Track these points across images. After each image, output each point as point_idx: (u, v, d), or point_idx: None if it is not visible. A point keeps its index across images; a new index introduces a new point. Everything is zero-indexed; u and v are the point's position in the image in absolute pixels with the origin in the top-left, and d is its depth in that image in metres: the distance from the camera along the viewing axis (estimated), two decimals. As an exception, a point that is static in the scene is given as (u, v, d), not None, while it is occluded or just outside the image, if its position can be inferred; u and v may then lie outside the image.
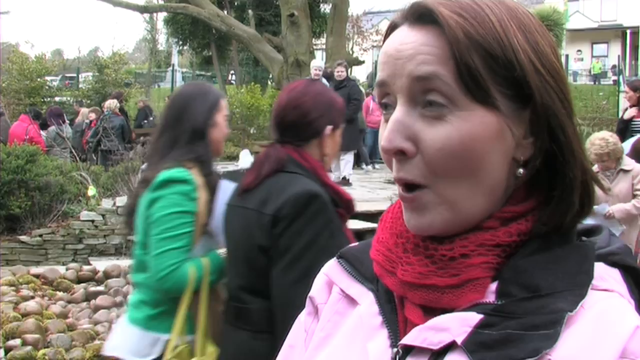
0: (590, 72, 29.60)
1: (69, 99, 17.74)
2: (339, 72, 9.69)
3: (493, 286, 0.67)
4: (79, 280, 6.30)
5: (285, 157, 1.87)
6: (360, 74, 23.71)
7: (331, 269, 0.85)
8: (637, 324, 0.62)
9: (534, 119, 0.69)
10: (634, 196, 4.78)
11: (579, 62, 30.47)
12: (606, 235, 0.73)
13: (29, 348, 4.31)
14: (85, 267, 6.70)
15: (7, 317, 4.82)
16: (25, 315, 4.94)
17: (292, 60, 13.33)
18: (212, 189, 2.22)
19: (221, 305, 2.11)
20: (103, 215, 8.00)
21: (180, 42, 27.88)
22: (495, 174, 0.69)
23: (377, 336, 0.73)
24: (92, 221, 7.94)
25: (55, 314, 5.11)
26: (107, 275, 6.28)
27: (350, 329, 0.78)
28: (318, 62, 10.41)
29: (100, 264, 6.79)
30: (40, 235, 7.74)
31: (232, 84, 26.26)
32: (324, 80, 9.89)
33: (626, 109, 7.41)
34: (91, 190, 8.50)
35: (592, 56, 33.73)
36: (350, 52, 19.86)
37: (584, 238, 0.74)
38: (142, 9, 19.46)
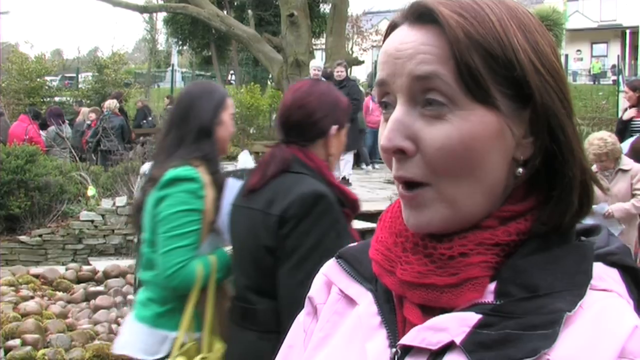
0: (589, 72, 29.60)
1: (68, 99, 17.74)
2: (339, 72, 9.69)
3: (492, 286, 0.67)
4: (79, 280, 6.30)
5: (291, 157, 1.87)
6: (359, 74, 23.71)
7: (330, 269, 0.85)
8: (636, 323, 0.62)
9: (534, 118, 0.69)
10: (633, 195, 4.78)
11: (578, 62, 30.46)
12: (605, 235, 0.73)
13: (28, 348, 4.31)
14: (85, 267, 6.70)
15: (7, 317, 4.82)
16: (25, 315, 4.94)
17: (291, 60, 13.33)
18: (219, 186, 2.24)
19: (228, 302, 2.12)
20: (103, 216, 8.01)
21: (180, 42, 27.90)
22: (495, 174, 0.69)
23: (375, 336, 0.73)
24: (92, 221, 7.95)
25: (55, 314, 5.11)
26: (107, 275, 6.28)
27: (349, 329, 0.78)
28: (317, 62, 10.41)
29: (100, 264, 6.79)
30: (40, 236, 7.74)
31: (231, 84, 26.24)
32: (325, 81, 9.88)
33: (626, 109, 7.41)
34: (91, 191, 8.50)
35: (592, 56, 33.74)
36: (350, 52, 19.86)
37: (582, 238, 0.74)
38: (142, 9, 19.45)
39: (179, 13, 19.25)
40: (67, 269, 6.51)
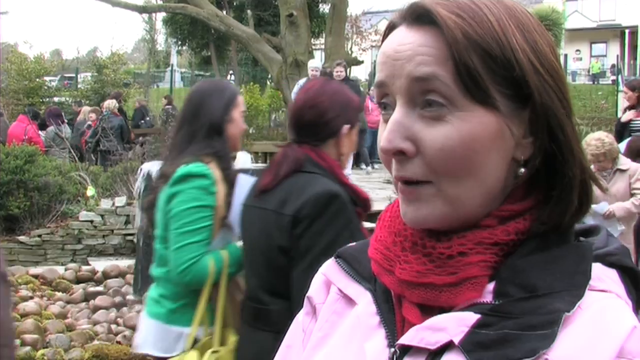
0: (589, 71, 29.61)
1: (67, 99, 17.74)
2: (338, 72, 9.69)
3: (490, 286, 0.67)
4: (78, 280, 6.30)
5: (303, 157, 1.86)
6: (359, 74, 23.70)
7: (329, 269, 0.85)
8: (634, 324, 0.62)
9: (534, 118, 0.69)
10: (632, 195, 4.78)
11: (577, 62, 30.48)
12: (604, 236, 0.73)
13: (27, 348, 4.30)
14: (84, 268, 6.70)
15: (6, 317, 4.81)
16: (24, 315, 4.93)
17: (291, 60, 13.32)
18: (230, 183, 2.25)
19: (242, 295, 2.13)
20: (102, 216, 8.01)
21: (179, 42, 27.89)
22: (495, 173, 0.69)
23: (374, 336, 0.73)
24: (91, 221, 7.95)
25: (54, 315, 5.11)
26: (106, 275, 6.28)
27: (347, 328, 0.78)
28: (315, 63, 10.40)
29: (99, 264, 6.79)
30: (39, 236, 7.74)
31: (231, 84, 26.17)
32: (322, 81, 9.88)
33: (625, 109, 7.40)
34: (90, 191, 8.50)
35: (591, 56, 33.76)
36: (349, 52, 19.84)
37: (581, 238, 0.74)
38: (141, 9, 19.44)
39: (178, 13, 19.24)
40: (66, 269, 6.51)
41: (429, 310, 0.70)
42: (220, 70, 26.48)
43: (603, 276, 0.67)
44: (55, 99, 17.59)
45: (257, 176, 2.05)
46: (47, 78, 18.72)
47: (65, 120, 12.96)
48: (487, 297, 0.67)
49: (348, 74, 11.11)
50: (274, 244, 1.80)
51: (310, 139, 1.90)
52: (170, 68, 28.28)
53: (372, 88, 12.89)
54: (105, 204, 8.14)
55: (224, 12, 20.39)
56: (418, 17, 0.69)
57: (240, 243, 2.19)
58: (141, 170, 4.90)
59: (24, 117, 11.46)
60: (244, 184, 2.16)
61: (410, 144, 0.68)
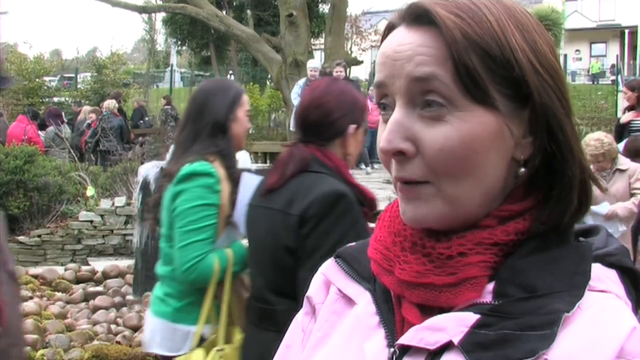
0: (588, 71, 29.60)
1: (67, 99, 17.75)
2: (338, 72, 9.69)
3: (490, 286, 0.67)
4: (78, 280, 6.30)
5: (309, 156, 1.86)
6: (359, 74, 23.70)
7: (328, 269, 0.85)
8: (634, 325, 0.62)
9: (533, 118, 0.69)
10: (632, 195, 4.77)
11: (577, 62, 30.47)
12: (604, 236, 0.73)
13: (27, 349, 4.30)
14: (84, 268, 6.69)
15: (6, 317, 4.80)
16: (24, 315, 4.93)
17: (290, 60, 13.31)
18: (234, 181, 2.26)
19: (247, 292, 2.13)
20: (102, 216, 8.00)
21: (179, 43, 27.87)
22: (495, 173, 0.69)
23: (374, 336, 0.73)
24: (91, 221, 7.95)
25: (54, 315, 5.11)
26: (106, 275, 6.28)
27: (347, 329, 0.78)
28: (314, 63, 10.38)
29: (99, 265, 6.79)
30: (39, 236, 7.73)
31: (230, 84, 26.13)
32: (321, 81, 9.87)
33: (625, 110, 7.40)
34: (90, 191, 8.50)
35: (591, 56, 33.75)
36: (349, 52, 19.84)
37: (581, 239, 0.74)
38: (141, 9, 19.44)
39: (177, 13, 19.23)
40: (66, 270, 6.51)
41: (428, 310, 0.70)
42: (220, 70, 26.47)
43: (603, 276, 0.67)
44: (55, 99, 17.60)
45: (259, 175, 2.05)
46: (46, 78, 18.73)
47: (65, 120, 12.96)
48: (487, 298, 0.67)
49: (348, 74, 11.11)
50: (281, 243, 1.79)
51: (316, 139, 1.89)
52: (170, 68, 28.27)
53: (371, 88, 12.88)
54: (105, 204, 8.14)
55: (224, 12, 20.39)
56: (417, 17, 0.69)
57: (245, 242, 2.20)
58: (140, 173, 4.91)
59: (24, 117, 11.45)
60: (249, 183, 2.17)
61: (410, 144, 0.68)
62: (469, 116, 0.67)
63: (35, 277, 6.19)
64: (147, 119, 15.03)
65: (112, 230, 7.99)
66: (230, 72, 27.03)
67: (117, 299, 5.53)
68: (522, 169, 0.71)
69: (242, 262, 2.23)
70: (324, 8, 23.09)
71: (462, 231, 0.69)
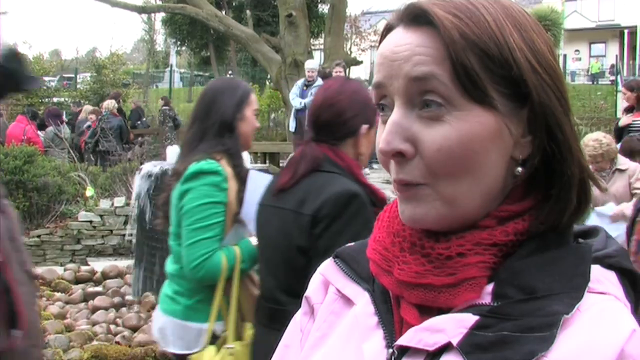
0: (588, 71, 29.60)
1: (66, 99, 17.75)
2: (337, 73, 9.68)
3: (489, 287, 0.67)
4: (77, 281, 6.29)
5: (321, 156, 1.85)
6: (358, 74, 23.70)
7: (327, 269, 0.85)
8: (634, 327, 0.62)
9: (532, 117, 0.69)
10: (633, 195, 4.77)
11: (576, 62, 30.48)
12: (603, 238, 0.73)
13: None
14: (83, 268, 6.68)
15: (5, 318, 4.80)
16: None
17: (290, 60, 13.30)
18: (241, 179, 2.28)
19: (257, 289, 2.15)
20: (101, 216, 8.00)
21: (179, 43, 27.90)
22: (494, 173, 0.69)
23: (372, 337, 0.73)
24: (90, 222, 7.94)
25: (53, 315, 5.10)
26: (105, 275, 6.27)
27: (346, 329, 0.77)
28: (312, 64, 10.34)
29: (98, 265, 6.78)
30: (38, 236, 7.73)
31: (230, 84, 26.13)
32: (320, 81, 9.89)
33: (625, 110, 7.40)
34: (89, 191, 8.49)
35: (590, 56, 33.76)
36: (349, 53, 19.84)
37: (580, 240, 0.74)
38: (140, 10, 19.43)
39: (177, 13, 19.22)
40: (65, 270, 6.50)
41: (427, 311, 0.69)
42: (220, 70, 26.48)
43: (602, 278, 0.67)
44: (55, 100, 17.59)
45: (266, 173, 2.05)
46: (46, 78, 18.74)
47: (66, 120, 12.96)
48: (486, 299, 0.67)
49: (347, 74, 11.10)
50: (293, 243, 1.79)
51: (328, 138, 1.89)
52: (169, 68, 28.30)
53: (369, 88, 12.85)
54: (104, 204, 8.13)
55: (223, 12, 20.39)
56: (415, 17, 0.69)
57: (254, 240, 2.21)
58: (140, 170, 4.92)
59: (23, 117, 11.45)
60: (256, 181, 2.19)
61: (409, 145, 0.68)
62: (468, 116, 0.66)
63: (35, 277, 6.17)
64: (144, 119, 15.05)
65: (111, 231, 7.98)
66: (230, 72, 27.03)
67: (117, 299, 5.52)
68: (521, 168, 0.71)
69: (250, 260, 2.24)
70: (324, 8, 23.11)
71: (461, 232, 0.69)
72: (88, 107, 13.54)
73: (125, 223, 7.94)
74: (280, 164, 10.97)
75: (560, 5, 29.36)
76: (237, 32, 14.94)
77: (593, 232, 0.75)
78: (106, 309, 5.30)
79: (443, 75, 0.66)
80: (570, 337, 0.61)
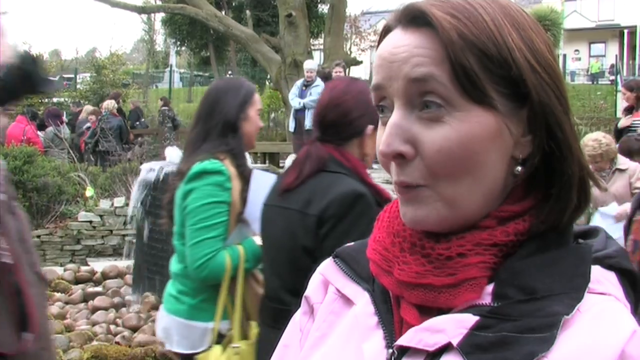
0: (588, 71, 29.61)
1: (66, 99, 17.74)
2: (337, 73, 9.68)
3: (489, 288, 0.67)
4: (77, 281, 6.29)
5: (327, 156, 1.85)
6: (358, 74, 23.70)
7: (327, 269, 0.85)
8: (634, 328, 0.62)
9: (532, 116, 0.68)
10: (634, 194, 4.77)
11: (576, 62, 30.49)
12: (603, 238, 0.73)
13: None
14: (83, 268, 6.68)
15: (5, 318, 4.80)
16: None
17: (290, 60, 13.31)
18: (245, 178, 2.29)
19: (261, 288, 2.15)
20: (101, 216, 8.00)
21: (178, 43, 27.90)
22: (494, 173, 0.69)
23: (372, 336, 0.73)
24: (90, 222, 7.94)
25: (53, 315, 5.10)
26: (105, 276, 6.27)
27: (345, 329, 0.77)
28: (311, 64, 10.33)
29: (98, 265, 6.77)
30: (38, 236, 7.72)
31: (230, 84, 26.13)
32: (320, 81, 9.89)
33: (625, 109, 7.40)
34: (89, 191, 8.49)
35: (590, 56, 33.77)
36: (348, 53, 19.85)
37: (580, 240, 0.74)
38: (140, 10, 19.44)
39: (177, 13, 19.22)
40: (65, 270, 6.49)
41: (427, 311, 0.69)
42: (219, 70, 26.47)
43: (602, 279, 0.67)
44: (54, 100, 17.58)
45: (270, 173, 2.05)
46: (46, 78, 18.68)
47: (66, 121, 12.96)
48: (486, 299, 0.67)
49: (347, 74, 11.09)
50: (298, 244, 1.79)
51: (334, 138, 1.89)
52: (169, 68, 28.29)
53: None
54: (104, 204, 8.13)
55: (223, 12, 20.39)
56: (413, 18, 0.69)
57: (258, 240, 2.21)
58: (142, 170, 4.92)
59: (23, 117, 11.44)
60: (260, 180, 2.20)
61: (409, 146, 0.68)
62: (468, 116, 0.66)
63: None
64: (142, 120, 15.05)
65: (111, 231, 7.98)
66: (230, 72, 27.03)
67: (117, 299, 5.52)
68: (521, 168, 0.71)
69: (254, 259, 2.25)
70: (323, 8, 23.11)
71: (461, 232, 0.69)
72: (89, 107, 13.55)
73: (125, 223, 7.94)
74: (280, 164, 10.97)
75: (560, 5, 29.33)
76: (236, 32, 14.94)
77: (593, 232, 0.75)
78: (106, 309, 5.30)
79: (442, 76, 0.66)
80: (570, 338, 0.61)
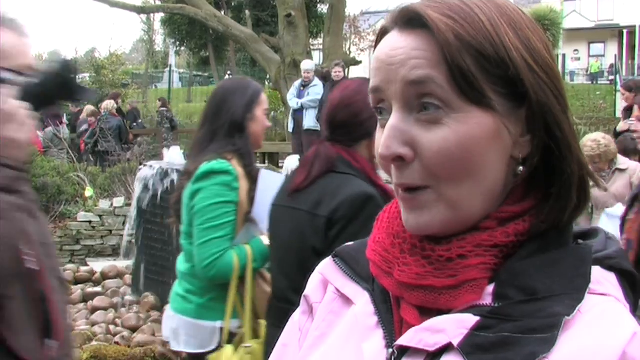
0: (587, 71, 29.63)
1: (66, 99, 17.72)
2: (337, 73, 9.68)
3: (490, 288, 0.67)
4: (76, 281, 6.28)
5: (336, 156, 1.85)
6: (357, 74, 23.69)
7: (326, 268, 0.85)
8: (635, 330, 0.62)
9: (530, 116, 0.68)
10: (635, 195, 4.77)
11: (576, 62, 30.50)
12: (602, 239, 0.73)
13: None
14: (83, 268, 6.67)
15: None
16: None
17: (289, 60, 13.31)
18: (252, 178, 2.30)
19: (269, 286, 2.15)
20: (100, 216, 7.99)
21: (178, 43, 27.93)
22: (494, 174, 0.69)
23: (372, 336, 0.73)
24: (90, 222, 7.93)
25: (53, 316, 5.09)
26: (105, 276, 6.26)
27: (345, 328, 0.77)
28: (308, 65, 10.31)
29: (98, 265, 6.77)
30: (38, 237, 7.71)
31: (229, 84, 26.16)
32: (318, 81, 9.89)
33: (624, 110, 7.41)
34: (88, 191, 8.49)
35: (589, 56, 33.79)
36: (348, 53, 19.85)
37: (580, 241, 0.74)
38: (139, 10, 19.42)
39: (176, 14, 19.21)
40: (64, 270, 6.49)
41: (427, 311, 0.69)
42: (219, 70, 26.49)
43: (602, 279, 0.67)
44: (54, 100, 17.56)
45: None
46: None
47: (66, 122, 12.96)
48: (487, 300, 0.66)
49: (346, 74, 11.09)
50: (307, 245, 1.79)
51: (343, 139, 1.88)
52: (168, 69, 28.27)
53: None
54: (104, 204, 8.12)
55: (222, 12, 20.39)
56: (409, 20, 0.69)
57: (265, 239, 2.22)
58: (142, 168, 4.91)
59: (22, 117, 11.41)
60: (267, 180, 2.21)
61: (408, 149, 0.68)
62: (466, 117, 0.66)
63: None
64: (140, 121, 15.06)
65: (110, 231, 7.98)
66: (229, 72, 27.04)
67: (116, 299, 5.52)
68: (521, 167, 0.71)
69: (261, 259, 2.26)
70: (323, 8, 23.13)
71: (462, 233, 0.69)
72: (90, 107, 13.54)
73: (125, 223, 7.93)
74: (280, 164, 10.96)
75: (559, 5, 29.33)
76: (236, 32, 14.94)
77: (592, 233, 0.75)
78: (105, 309, 5.30)
79: (440, 78, 0.66)
80: (571, 339, 0.61)
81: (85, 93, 1.48)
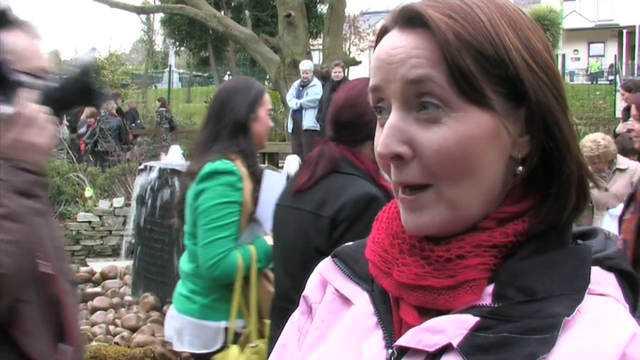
0: (587, 71, 29.63)
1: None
2: (337, 73, 9.68)
3: (489, 289, 0.67)
4: (76, 281, 6.29)
5: (340, 156, 1.85)
6: (357, 74, 23.68)
7: (325, 268, 0.85)
8: (635, 330, 0.62)
9: (529, 116, 0.68)
10: (635, 195, 4.77)
11: (575, 62, 30.50)
12: (602, 239, 0.73)
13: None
14: (82, 269, 6.67)
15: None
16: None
17: (289, 60, 13.31)
18: (256, 178, 2.30)
19: (272, 286, 2.16)
20: (100, 217, 7.99)
21: (177, 43, 27.92)
22: (493, 174, 0.69)
23: (372, 337, 0.73)
24: (89, 222, 7.93)
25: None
26: (104, 276, 6.26)
27: (344, 329, 0.77)
28: (307, 65, 10.30)
29: (97, 265, 6.77)
30: (37, 237, 7.71)
31: (229, 84, 26.17)
32: (316, 81, 9.89)
33: (624, 110, 7.40)
34: (88, 192, 8.49)
35: (589, 56, 33.80)
36: (347, 53, 19.85)
37: (579, 241, 0.74)
38: (139, 10, 19.44)
39: (176, 14, 19.21)
40: (64, 271, 6.49)
41: (426, 312, 0.69)
42: (218, 70, 26.50)
43: (602, 280, 0.67)
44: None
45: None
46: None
47: (66, 123, 12.95)
48: (486, 300, 0.66)
49: (346, 74, 11.09)
50: (311, 245, 1.79)
51: (348, 139, 1.88)
52: (168, 69, 28.29)
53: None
54: (103, 204, 8.12)
55: (222, 12, 20.39)
56: (409, 20, 0.69)
57: (269, 239, 2.22)
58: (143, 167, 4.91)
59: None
60: (271, 180, 2.21)
61: (407, 147, 0.68)
62: (465, 117, 0.66)
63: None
64: (138, 121, 15.07)
65: (110, 231, 7.97)
66: (229, 72, 27.05)
67: (116, 299, 5.51)
68: (520, 167, 0.71)
69: (265, 259, 2.27)
70: (322, 8, 23.13)
71: (461, 234, 0.69)
72: (89, 108, 13.54)
73: (125, 224, 7.93)
74: (280, 164, 10.97)
75: (559, 5, 29.35)
76: (236, 33, 14.95)
77: (592, 233, 0.75)
78: (105, 309, 5.30)
79: (439, 77, 0.66)
80: (571, 340, 0.61)
81: (103, 98, 1.50)
